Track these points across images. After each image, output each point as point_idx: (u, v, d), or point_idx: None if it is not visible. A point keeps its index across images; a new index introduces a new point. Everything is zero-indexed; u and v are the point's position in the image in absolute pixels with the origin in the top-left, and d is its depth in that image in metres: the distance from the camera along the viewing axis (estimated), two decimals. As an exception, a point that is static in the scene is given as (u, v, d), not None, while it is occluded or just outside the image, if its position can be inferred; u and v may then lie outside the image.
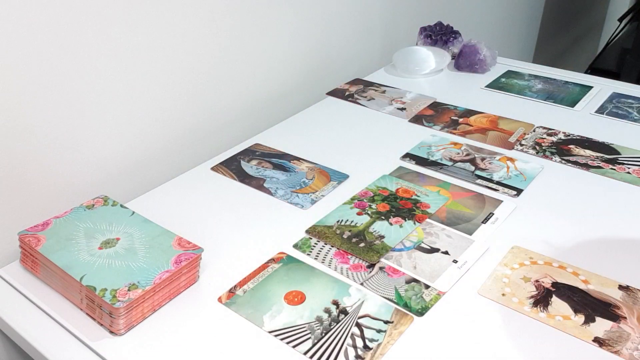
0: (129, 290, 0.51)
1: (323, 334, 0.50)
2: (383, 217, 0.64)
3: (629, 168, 0.74)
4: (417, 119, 0.88)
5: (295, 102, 0.97)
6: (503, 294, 0.54)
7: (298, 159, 0.77)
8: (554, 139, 0.81)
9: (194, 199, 0.69)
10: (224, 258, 0.60)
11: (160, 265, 0.54)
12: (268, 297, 0.54)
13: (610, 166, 0.74)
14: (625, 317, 0.51)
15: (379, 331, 0.50)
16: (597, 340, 0.49)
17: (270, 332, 0.51)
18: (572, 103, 0.92)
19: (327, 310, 0.52)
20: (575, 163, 0.75)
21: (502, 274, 0.56)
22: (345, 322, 0.51)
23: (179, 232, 0.63)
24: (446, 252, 0.59)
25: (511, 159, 0.76)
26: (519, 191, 0.70)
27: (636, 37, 2.11)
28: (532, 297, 0.53)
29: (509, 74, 1.03)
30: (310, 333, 0.50)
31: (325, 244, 0.61)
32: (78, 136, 0.66)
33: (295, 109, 0.95)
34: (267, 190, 0.71)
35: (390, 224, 0.63)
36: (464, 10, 1.46)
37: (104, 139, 0.69)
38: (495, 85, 0.99)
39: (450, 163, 0.75)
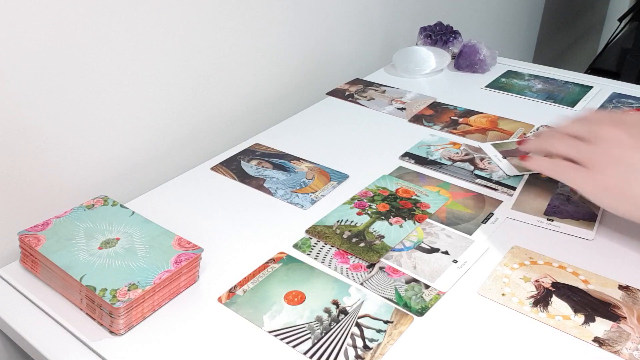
0: (129, 290, 0.51)
1: (323, 334, 0.50)
2: (383, 217, 0.64)
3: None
4: (417, 119, 0.88)
5: (295, 102, 0.97)
6: (503, 294, 0.54)
7: (298, 159, 0.77)
8: (554, 139, 0.81)
9: (194, 199, 0.69)
10: (224, 258, 0.60)
11: (160, 265, 0.54)
12: (268, 297, 0.54)
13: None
14: (625, 317, 0.51)
15: (378, 331, 0.50)
16: (597, 340, 0.49)
17: (270, 332, 0.51)
18: (572, 103, 0.92)
19: (327, 310, 0.52)
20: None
21: (502, 274, 0.56)
22: (345, 322, 0.51)
23: (179, 232, 0.63)
24: (446, 252, 0.59)
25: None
26: (519, 191, 0.69)
27: (636, 37, 2.11)
28: (532, 297, 0.53)
29: (509, 74, 1.03)
30: (310, 333, 0.50)
31: (325, 244, 0.61)
32: (78, 136, 0.66)
33: (295, 109, 0.95)
34: (267, 190, 0.71)
35: (390, 224, 0.63)
36: (464, 10, 1.46)
37: (104, 139, 0.69)
38: (495, 85, 0.99)
39: (449, 162, 0.75)
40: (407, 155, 0.78)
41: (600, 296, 0.53)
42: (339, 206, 0.67)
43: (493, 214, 0.65)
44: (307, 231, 0.63)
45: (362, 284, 0.56)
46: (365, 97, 0.95)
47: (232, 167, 0.76)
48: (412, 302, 0.53)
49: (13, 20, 0.56)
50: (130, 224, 0.59)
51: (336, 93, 0.97)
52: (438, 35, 1.08)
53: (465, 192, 0.69)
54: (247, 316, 0.52)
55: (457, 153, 0.78)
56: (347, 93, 0.97)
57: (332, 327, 0.51)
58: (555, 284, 0.55)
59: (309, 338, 0.50)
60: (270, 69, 0.90)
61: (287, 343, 0.49)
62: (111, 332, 0.51)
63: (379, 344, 0.49)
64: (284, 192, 0.70)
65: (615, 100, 0.92)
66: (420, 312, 0.52)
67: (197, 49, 0.77)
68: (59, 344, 0.50)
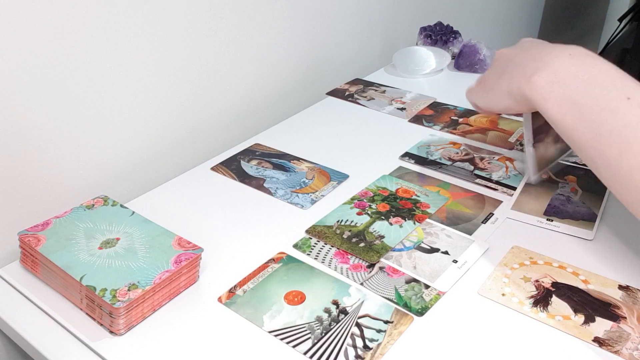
0: (129, 290, 0.51)
1: (323, 334, 0.50)
2: (383, 217, 0.64)
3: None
4: (417, 119, 0.88)
5: (295, 102, 0.97)
6: (503, 294, 0.54)
7: (298, 159, 0.77)
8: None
9: (194, 199, 0.69)
10: (224, 258, 0.60)
11: (160, 265, 0.54)
12: (268, 297, 0.54)
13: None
14: (625, 317, 0.51)
15: (378, 331, 0.50)
16: (597, 340, 0.49)
17: (270, 332, 0.51)
18: (572, 103, 0.91)
19: (327, 310, 0.52)
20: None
21: (502, 274, 0.56)
22: (345, 322, 0.51)
23: (179, 232, 0.63)
24: (446, 252, 0.59)
25: (510, 159, 0.76)
26: (519, 191, 0.69)
27: (636, 37, 2.11)
28: (532, 297, 0.53)
29: (509, 74, 1.03)
30: (310, 333, 0.50)
31: (325, 244, 0.61)
32: (78, 136, 0.66)
33: (295, 109, 0.95)
34: (267, 190, 0.71)
35: (390, 224, 0.63)
36: (464, 10, 1.46)
37: (104, 139, 0.69)
38: (495, 85, 0.99)
39: (449, 162, 0.75)
40: (407, 155, 0.78)
41: (600, 296, 0.53)
42: (339, 206, 0.67)
43: (493, 214, 0.65)
44: (307, 231, 0.63)
45: (362, 284, 0.56)
46: (365, 97, 0.95)
47: (232, 167, 0.76)
48: (412, 302, 0.53)
49: (13, 20, 0.56)
50: (130, 224, 0.59)
51: (336, 93, 0.97)
52: (438, 35, 1.08)
53: (465, 192, 0.69)
54: (247, 316, 0.52)
55: (457, 153, 0.78)
56: (347, 93, 0.97)
57: (332, 327, 0.51)
58: (555, 284, 0.55)
59: (309, 338, 0.50)
60: (270, 69, 0.90)
61: (287, 343, 0.49)
62: (111, 332, 0.51)
63: (379, 344, 0.49)
64: (284, 192, 0.70)
65: (615, 100, 0.92)
66: (420, 312, 0.52)
67: (197, 49, 0.77)
68: (59, 344, 0.50)
